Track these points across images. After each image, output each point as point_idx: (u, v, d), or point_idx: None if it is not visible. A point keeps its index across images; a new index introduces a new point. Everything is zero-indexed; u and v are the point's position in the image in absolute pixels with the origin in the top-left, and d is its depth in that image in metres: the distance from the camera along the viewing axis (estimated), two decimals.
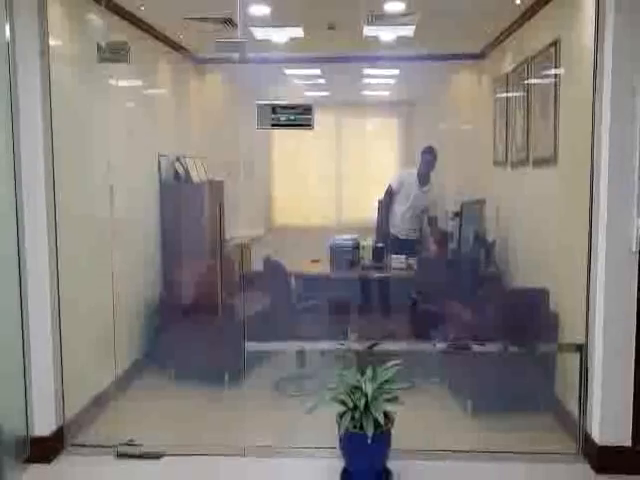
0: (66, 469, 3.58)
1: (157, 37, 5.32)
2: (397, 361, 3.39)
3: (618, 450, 3.44)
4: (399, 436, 3.30)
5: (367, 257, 5.56)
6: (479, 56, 6.24)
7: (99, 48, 3.83)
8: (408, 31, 5.26)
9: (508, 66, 5.41)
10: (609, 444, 3.45)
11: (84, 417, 3.94)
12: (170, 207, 5.34)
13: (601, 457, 3.47)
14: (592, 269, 3.53)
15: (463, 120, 6.77)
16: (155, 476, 3.56)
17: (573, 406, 3.70)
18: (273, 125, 3.66)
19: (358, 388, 3.27)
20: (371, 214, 6.12)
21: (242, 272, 3.70)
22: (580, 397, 3.63)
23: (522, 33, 4.97)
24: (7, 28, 3.41)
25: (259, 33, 5.05)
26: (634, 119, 3.30)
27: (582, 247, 3.58)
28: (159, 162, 5.37)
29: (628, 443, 3.45)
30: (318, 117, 3.73)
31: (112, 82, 4.34)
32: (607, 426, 3.46)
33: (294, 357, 4.77)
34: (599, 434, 3.47)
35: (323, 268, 5.53)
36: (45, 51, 3.51)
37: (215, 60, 6.11)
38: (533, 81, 4.74)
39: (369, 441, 3.09)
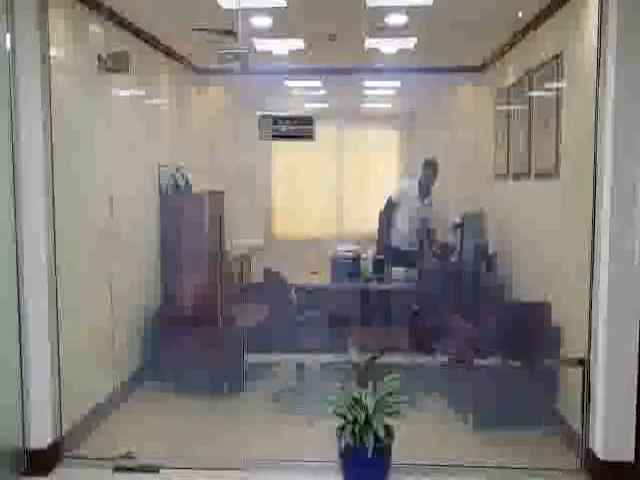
0: None
1: (158, 48, 5.33)
2: (397, 375, 3.37)
3: (620, 466, 3.40)
4: (399, 450, 3.27)
5: (368, 269, 5.55)
6: (480, 69, 6.27)
7: (100, 59, 3.82)
8: (409, 43, 5.28)
9: (509, 79, 5.41)
10: (611, 459, 3.41)
11: (82, 429, 3.91)
12: (170, 218, 5.31)
13: (603, 472, 3.43)
14: (594, 282, 3.50)
15: (464, 132, 6.79)
16: None
17: (575, 421, 3.67)
18: (274, 136, 3.66)
19: (358, 401, 3.24)
20: (372, 226, 6.11)
21: (242, 283, 3.67)
22: (582, 411, 3.60)
23: (524, 46, 4.98)
24: (8, 37, 3.41)
25: (260, 45, 5.06)
26: (637, 131, 3.30)
27: (584, 260, 3.56)
28: (159, 172, 5.34)
29: (631, 458, 3.41)
30: (319, 129, 3.73)
31: (113, 92, 4.33)
32: (610, 441, 3.42)
33: (294, 370, 4.73)
34: (601, 449, 3.43)
35: (324, 279, 5.50)
36: (46, 60, 3.51)
37: (217, 71, 6.11)
38: (535, 93, 4.74)
39: (369, 455, 3.06)
